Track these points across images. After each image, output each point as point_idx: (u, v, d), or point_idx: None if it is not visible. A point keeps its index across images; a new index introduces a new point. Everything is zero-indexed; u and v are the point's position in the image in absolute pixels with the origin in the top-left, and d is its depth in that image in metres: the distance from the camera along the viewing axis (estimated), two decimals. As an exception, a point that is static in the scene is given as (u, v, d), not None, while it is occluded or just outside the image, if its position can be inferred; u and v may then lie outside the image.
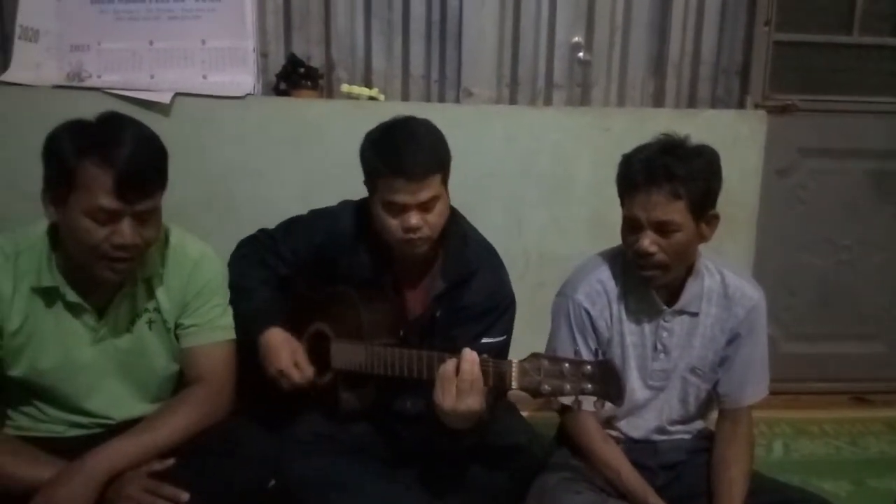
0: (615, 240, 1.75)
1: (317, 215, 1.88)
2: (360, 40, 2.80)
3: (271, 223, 1.91)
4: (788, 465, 2.47)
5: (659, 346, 1.75)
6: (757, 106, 2.88)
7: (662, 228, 1.59)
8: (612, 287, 1.76)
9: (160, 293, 1.64)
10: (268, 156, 2.58)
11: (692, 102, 2.92)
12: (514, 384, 1.44)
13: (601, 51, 2.88)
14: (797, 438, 2.72)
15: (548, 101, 2.89)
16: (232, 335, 1.71)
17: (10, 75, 2.52)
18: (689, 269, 1.71)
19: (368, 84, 2.78)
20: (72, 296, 1.55)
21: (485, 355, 1.49)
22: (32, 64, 2.54)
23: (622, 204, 1.67)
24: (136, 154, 1.44)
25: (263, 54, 2.72)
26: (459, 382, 1.46)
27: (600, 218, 2.62)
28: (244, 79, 2.57)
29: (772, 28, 2.88)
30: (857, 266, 3.12)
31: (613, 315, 1.75)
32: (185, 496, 1.45)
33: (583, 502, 1.64)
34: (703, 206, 1.61)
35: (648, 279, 1.67)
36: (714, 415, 1.85)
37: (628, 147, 1.69)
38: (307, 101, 2.64)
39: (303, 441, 1.76)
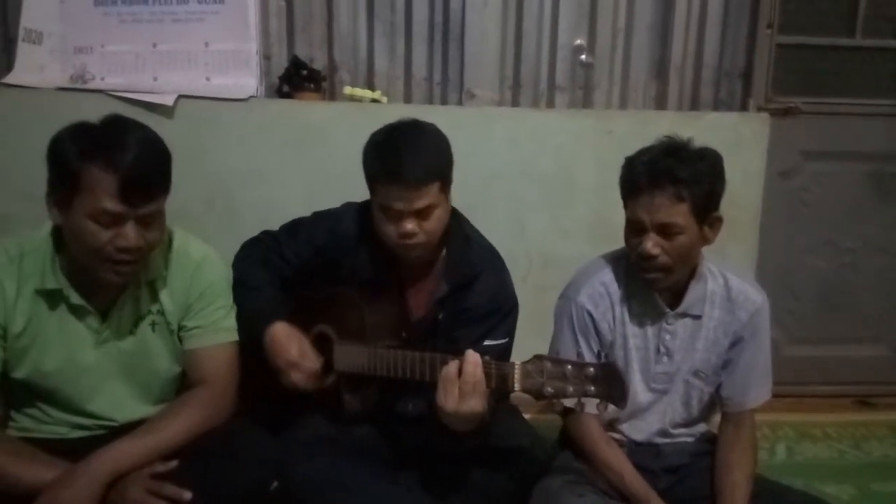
0: (618, 242, 1.75)
1: (320, 217, 1.89)
2: (363, 42, 2.81)
3: (274, 225, 1.91)
4: (791, 469, 2.47)
5: (662, 349, 1.75)
6: (759, 108, 2.88)
7: (665, 231, 1.59)
8: (614, 289, 1.76)
9: (163, 295, 1.64)
10: (270, 158, 2.59)
11: (695, 105, 2.92)
12: (517, 386, 1.44)
13: (603, 53, 2.88)
14: (800, 442, 2.72)
15: (550, 104, 2.89)
16: (235, 337, 1.72)
17: (14, 77, 2.52)
18: (693, 272, 1.71)
19: (371, 86, 2.79)
20: (75, 298, 1.56)
21: (487, 357, 1.49)
22: (36, 66, 2.55)
23: (625, 206, 1.67)
24: (140, 157, 1.44)
25: (266, 57, 2.72)
26: (462, 384, 1.46)
27: (602, 220, 2.63)
28: (247, 81, 2.57)
29: (774, 30, 2.88)
30: (860, 268, 3.11)
31: (616, 317, 1.75)
32: (188, 495, 1.46)
33: (585, 505, 1.64)
34: (707, 209, 1.61)
35: (651, 282, 1.67)
36: (717, 418, 1.84)
37: (630, 149, 1.69)
38: (310, 103, 2.64)
39: (305, 443, 1.75)
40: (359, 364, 1.70)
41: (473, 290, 1.77)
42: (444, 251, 1.80)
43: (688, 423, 1.82)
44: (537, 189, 2.72)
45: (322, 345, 1.81)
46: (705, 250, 1.71)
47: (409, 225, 1.64)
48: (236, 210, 2.58)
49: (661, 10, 2.86)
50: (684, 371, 1.77)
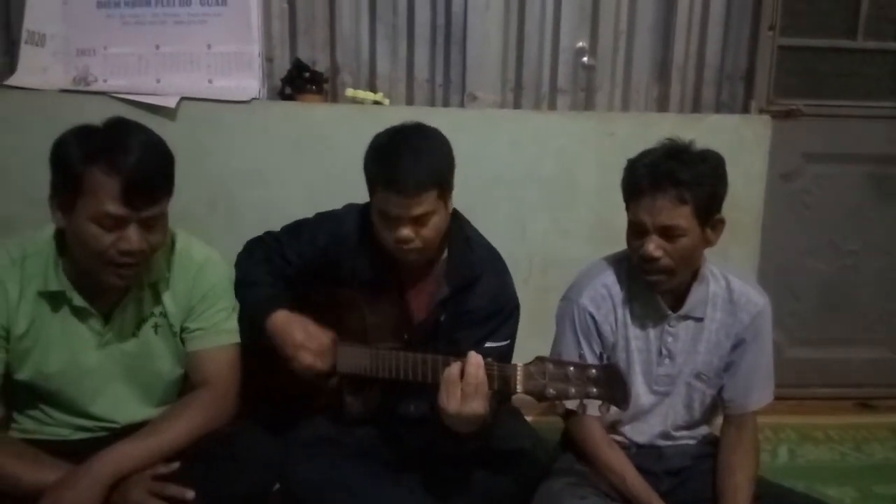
0: (620, 244, 1.75)
1: (322, 218, 1.89)
2: (365, 45, 2.81)
3: (276, 227, 1.91)
4: (793, 471, 2.46)
5: (664, 351, 1.75)
6: (761, 111, 2.88)
7: (668, 233, 1.59)
8: (617, 292, 1.76)
9: (166, 297, 1.64)
10: (273, 159, 2.59)
11: (696, 107, 2.92)
12: (519, 388, 1.44)
13: (605, 55, 2.88)
14: (802, 444, 2.71)
15: (552, 106, 2.89)
16: (237, 339, 1.72)
17: (17, 79, 2.53)
18: (695, 274, 1.71)
19: (373, 88, 2.79)
20: (78, 300, 1.56)
21: (490, 359, 1.49)
22: (39, 68, 2.56)
23: (627, 209, 1.67)
24: (144, 161, 1.44)
25: (269, 59, 2.73)
26: (464, 386, 1.46)
27: (604, 222, 2.62)
28: (249, 83, 2.57)
29: (776, 33, 2.88)
30: (862, 271, 3.11)
31: (618, 320, 1.75)
32: (191, 494, 1.46)
33: (587, 507, 1.64)
34: (709, 211, 1.61)
35: (654, 284, 1.67)
36: (719, 420, 1.84)
37: (632, 152, 1.69)
38: (312, 105, 2.64)
39: (307, 444, 1.75)
40: (361, 365, 1.70)
41: (475, 291, 1.77)
42: (446, 253, 1.80)
43: (690, 426, 1.82)
44: (539, 191, 2.72)
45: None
46: (707, 252, 1.71)
47: (406, 231, 1.64)
48: (238, 211, 2.58)
49: (663, 12, 2.87)
50: (686, 373, 1.77)
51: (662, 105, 2.92)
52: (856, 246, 3.09)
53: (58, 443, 1.61)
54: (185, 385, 1.71)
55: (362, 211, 1.82)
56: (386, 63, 2.82)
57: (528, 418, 2.02)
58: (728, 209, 1.67)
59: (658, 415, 1.79)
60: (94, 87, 2.54)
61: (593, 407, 1.41)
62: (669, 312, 1.72)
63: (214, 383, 1.66)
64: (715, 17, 2.87)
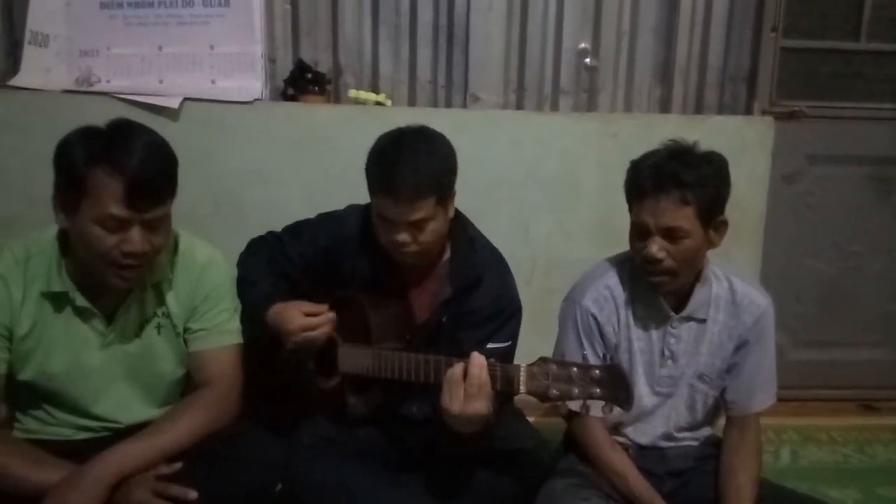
0: (622, 245, 1.74)
1: (323, 219, 1.89)
2: (368, 46, 2.81)
3: (278, 227, 1.92)
4: (796, 473, 2.46)
5: (666, 353, 1.75)
6: (764, 112, 2.88)
7: (671, 235, 1.58)
8: (619, 293, 1.75)
9: (169, 298, 1.64)
10: (275, 160, 2.59)
11: (699, 108, 2.92)
12: (522, 388, 1.44)
13: (608, 56, 2.88)
14: (804, 445, 2.71)
15: (554, 107, 2.89)
16: (239, 339, 1.72)
17: (20, 80, 2.53)
18: (697, 276, 1.71)
19: (375, 89, 2.80)
20: (81, 301, 1.56)
21: (492, 359, 1.49)
22: (42, 69, 2.56)
23: (630, 210, 1.67)
24: (147, 162, 1.44)
25: (271, 60, 2.73)
26: (467, 386, 1.46)
27: (607, 223, 2.62)
28: (252, 84, 2.58)
29: (779, 34, 2.88)
30: (865, 272, 3.11)
31: (621, 321, 1.75)
32: (194, 494, 1.46)
33: (590, 508, 1.64)
34: (712, 213, 1.61)
35: (656, 285, 1.67)
36: (722, 421, 1.84)
37: (635, 153, 1.69)
38: (314, 106, 2.65)
39: (309, 445, 1.75)
40: (363, 366, 1.70)
41: (477, 293, 1.77)
42: (449, 254, 1.80)
43: (692, 427, 1.82)
44: (541, 192, 2.72)
45: (326, 347, 1.81)
46: (710, 253, 1.71)
47: (403, 236, 1.65)
48: (241, 212, 2.58)
49: (666, 14, 2.87)
50: (689, 375, 1.76)
51: (665, 106, 2.92)
52: (858, 247, 3.09)
53: (60, 443, 1.61)
54: (188, 385, 1.71)
55: (364, 211, 1.82)
56: (388, 64, 2.82)
57: (531, 419, 2.02)
58: (730, 210, 1.67)
59: (660, 416, 1.79)
60: (97, 88, 2.55)
61: (596, 408, 1.40)
62: (672, 314, 1.72)
63: (217, 383, 1.66)
64: (717, 19, 2.87)
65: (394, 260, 1.75)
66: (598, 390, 1.38)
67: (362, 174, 1.70)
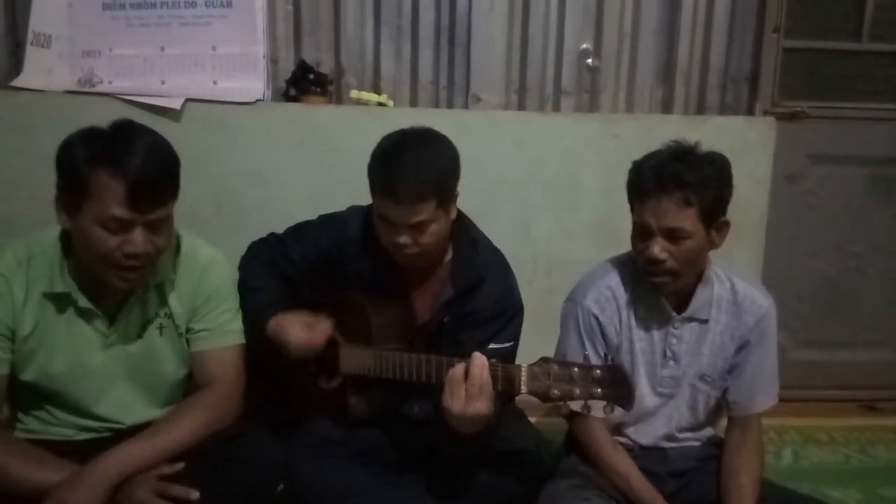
0: (624, 246, 1.74)
1: (325, 220, 1.89)
2: (370, 46, 2.81)
3: (280, 228, 1.92)
4: (797, 473, 2.46)
5: (668, 353, 1.75)
6: (766, 113, 2.88)
7: (673, 235, 1.58)
8: (621, 293, 1.75)
9: (172, 299, 1.65)
10: (277, 161, 2.60)
11: (701, 109, 2.92)
12: (524, 388, 1.44)
13: (610, 57, 2.88)
14: (806, 446, 2.71)
15: (556, 108, 2.89)
16: (241, 340, 1.72)
17: (22, 80, 2.54)
18: (699, 276, 1.71)
19: (377, 90, 2.80)
20: (83, 301, 1.56)
21: (494, 360, 1.49)
22: (44, 69, 2.56)
23: (632, 210, 1.67)
24: (149, 164, 1.44)
25: (273, 60, 2.73)
26: (469, 386, 1.46)
27: (608, 224, 2.62)
28: (254, 85, 2.58)
29: (781, 35, 2.88)
30: (867, 272, 3.11)
31: (623, 321, 1.75)
32: (195, 494, 1.46)
33: (591, 509, 1.64)
34: (714, 214, 1.61)
35: (658, 286, 1.67)
36: (723, 422, 1.84)
37: (637, 153, 1.69)
38: (316, 106, 2.65)
39: (311, 445, 1.75)
40: (365, 366, 1.71)
41: (479, 293, 1.77)
42: (451, 255, 1.80)
43: (694, 428, 1.82)
44: (543, 193, 2.72)
45: (328, 348, 1.81)
46: (711, 254, 1.71)
47: (403, 238, 1.65)
48: (243, 212, 2.59)
49: (668, 14, 2.87)
50: (690, 375, 1.76)
51: (667, 107, 2.92)
52: (860, 248, 3.09)
53: (62, 443, 1.61)
54: (190, 385, 1.72)
55: (366, 213, 1.82)
56: (390, 65, 2.83)
57: (532, 420, 2.02)
58: (732, 211, 1.67)
59: (662, 417, 1.79)
60: (99, 89, 2.55)
61: (598, 408, 1.41)
62: (674, 314, 1.72)
63: (219, 384, 1.66)
64: (719, 19, 2.87)
65: (395, 261, 1.75)
66: (599, 390, 1.38)
67: (364, 175, 1.70)
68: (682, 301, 1.72)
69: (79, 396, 1.62)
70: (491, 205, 2.58)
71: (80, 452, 1.52)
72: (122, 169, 1.41)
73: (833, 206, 3.04)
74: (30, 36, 2.55)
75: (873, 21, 2.94)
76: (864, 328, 3.15)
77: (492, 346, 1.72)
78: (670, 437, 1.81)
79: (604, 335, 1.75)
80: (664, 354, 1.75)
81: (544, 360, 1.44)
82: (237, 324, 1.72)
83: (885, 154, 3.01)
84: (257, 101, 2.57)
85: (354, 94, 2.69)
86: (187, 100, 2.53)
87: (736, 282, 1.75)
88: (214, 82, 2.58)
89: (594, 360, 1.70)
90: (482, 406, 1.46)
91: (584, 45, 2.87)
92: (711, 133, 2.55)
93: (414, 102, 2.85)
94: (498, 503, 1.73)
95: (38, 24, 2.56)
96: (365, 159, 1.70)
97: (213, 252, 1.73)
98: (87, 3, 2.57)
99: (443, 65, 2.84)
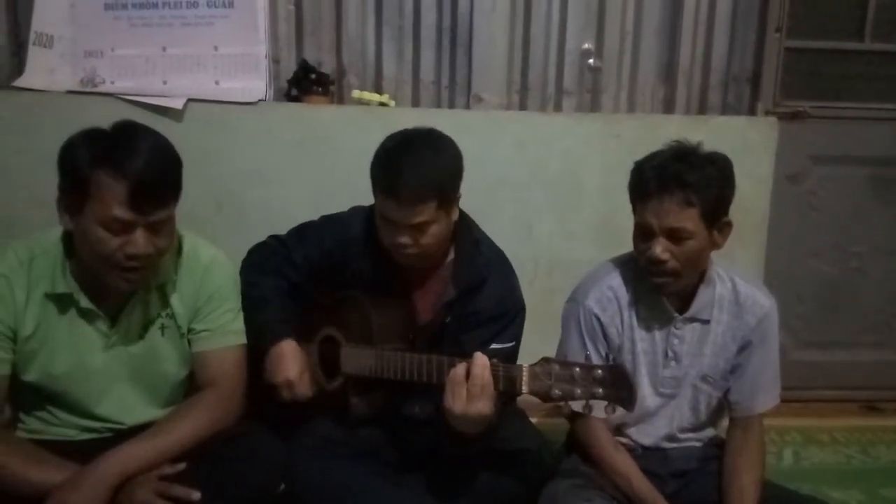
0: (625, 246, 1.74)
1: (328, 220, 1.89)
2: (371, 47, 2.81)
3: (282, 228, 1.92)
4: (799, 474, 2.46)
5: (670, 354, 1.74)
6: (768, 112, 2.88)
7: (675, 236, 1.58)
8: (623, 294, 1.75)
9: (174, 299, 1.65)
10: (279, 161, 2.60)
11: (703, 109, 2.92)
12: (525, 388, 1.44)
13: (611, 57, 2.88)
14: (807, 446, 2.71)
15: (558, 108, 2.89)
16: (243, 340, 1.72)
17: (25, 80, 2.54)
18: (701, 277, 1.71)
19: (379, 90, 2.80)
20: (85, 302, 1.56)
21: (495, 360, 1.49)
22: (46, 69, 2.57)
23: (634, 211, 1.67)
24: (151, 165, 1.44)
25: (275, 60, 2.73)
26: (470, 386, 1.46)
27: (610, 224, 2.62)
28: (256, 85, 2.58)
29: (783, 35, 2.88)
30: (868, 273, 3.11)
31: (624, 322, 1.75)
32: (197, 495, 1.46)
33: (593, 509, 1.64)
34: (716, 214, 1.61)
35: (660, 286, 1.67)
36: (725, 422, 1.84)
37: (638, 153, 1.69)
38: (318, 106, 2.65)
39: (312, 445, 1.76)
40: (366, 366, 1.71)
41: (481, 294, 1.77)
42: (453, 255, 1.80)
43: (696, 428, 1.82)
44: (544, 193, 2.72)
45: (329, 348, 1.81)
46: (713, 254, 1.71)
47: (404, 238, 1.65)
48: (244, 212, 2.59)
49: (669, 14, 2.86)
50: (692, 376, 1.76)
51: (668, 107, 2.92)
52: (862, 248, 3.09)
53: (64, 443, 1.61)
54: (191, 386, 1.72)
55: (368, 213, 1.82)
56: (392, 65, 2.83)
57: (534, 420, 2.02)
58: (734, 211, 1.67)
59: (664, 417, 1.79)
60: (101, 89, 2.55)
61: (599, 408, 1.40)
62: (675, 315, 1.72)
63: (220, 384, 1.66)
64: (721, 19, 2.87)
65: (397, 261, 1.75)
66: (600, 390, 1.38)
67: (366, 175, 1.70)
68: (684, 301, 1.72)
69: (80, 397, 1.62)
70: (492, 205, 2.58)
71: (82, 453, 1.52)
72: (124, 170, 1.41)
73: (834, 206, 3.04)
74: (32, 36, 2.56)
75: (875, 21, 2.94)
76: (865, 328, 3.14)
77: (493, 346, 1.72)
78: (671, 438, 1.81)
79: (605, 335, 1.75)
80: (666, 355, 1.75)
81: (545, 360, 1.44)
82: (238, 324, 1.72)
83: (886, 154, 3.01)
84: (259, 101, 2.57)
85: (356, 94, 2.69)
86: (189, 100, 2.53)
87: (738, 282, 1.75)
88: (216, 82, 2.58)
89: (596, 360, 1.68)
90: (483, 406, 1.46)
91: (586, 45, 2.87)
92: (713, 133, 2.55)
93: (416, 102, 2.85)
94: (499, 503, 1.73)
95: (40, 24, 2.56)
96: (367, 159, 1.70)
97: (215, 252, 1.73)
98: (89, 4, 2.57)
99: (444, 65, 2.84)
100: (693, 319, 1.73)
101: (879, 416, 3.04)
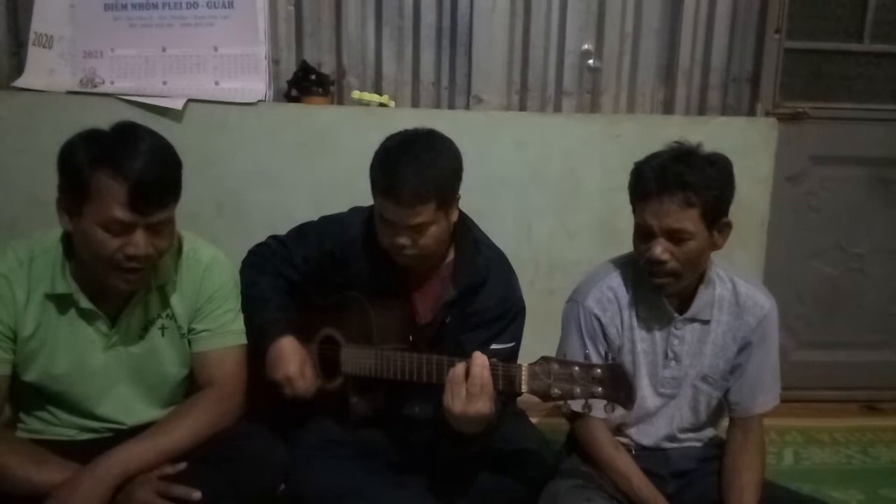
0: (625, 246, 1.75)
1: (327, 221, 1.89)
2: (371, 47, 2.82)
3: (282, 228, 1.92)
4: (799, 474, 2.46)
5: (670, 354, 1.74)
6: (767, 113, 2.88)
7: (675, 236, 1.58)
8: (623, 294, 1.75)
9: (174, 300, 1.65)
10: (279, 161, 2.60)
11: (702, 110, 2.92)
12: (524, 387, 1.44)
13: (611, 58, 2.88)
14: (808, 447, 2.71)
15: (557, 108, 2.89)
16: (243, 340, 1.72)
17: (25, 81, 2.54)
18: (701, 277, 1.71)
19: (379, 91, 2.80)
20: (85, 302, 1.56)
21: (494, 359, 1.49)
22: (46, 70, 2.57)
23: (634, 211, 1.67)
24: (150, 166, 1.44)
25: (275, 61, 2.73)
26: (469, 386, 1.46)
27: (610, 224, 2.63)
28: (256, 85, 2.59)
29: (783, 35, 2.88)
30: (868, 273, 3.11)
31: (624, 322, 1.75)
32: (197, 494, 1.47)
33: (593, 509, 1.64)
34: (716, 215, 1.61)
35: (660, 287, 1.66)
36: (725, 422, 1.84)
37: (638, 154, 1.69)
38: (318, 107, 2.65)
39: (312, 446, 1.76)
40: (366, 367, 1.71)
41: (481, 294, 1.77)
42: (453, 255, 1.80)
43: (696, 428, 1.82)
44: (544, 193, 2.72)
45: (329, 348, 1.81)
46: (713, 254, 1.71)
47: (402, 239, 1.65)
48: (245, 213, 2.59)
49: (669, 15, 2.86)
50: (692, 376, 1.76)
51: (668, 107, 2.92)
52: (862, 248, 3.09)
53: (64, 443, 1.61)
54: (192, 386, 1.72)
55: (367, 214, 1.82)
56: (392, 65, 2.83)
57: (534, 420, 2.03)
58: (734, 212, 1.67)
59: (664, 417, 1.79)
60: (100, 89, 2.56)
61: (598, 407, 1.41)
62: (675, 315, 1.72)
63: (221, 384, 1.66)
64: (721, 20, 2.87)
65: (397, 262, 1.75)
66: (600, 389, 1.38)
67: (366, 175, 1.70)
68: (684, 302, 1.72)
69: (80, 397, 1.62)
70: (492, 205, 2.59)
71: (82, 453, 1.52)
72: (124, 171, 1.41)
73: (834, 206, 3.04)
74: (32, 36, 2.56)
75: (875, 22, 2.94)
76: (865, 329, 3.14)
77: (493, 346, 1.72)
78: (672, 438, 1.80)
79: (605, 336, 1.75)
80: (666, 355, 1.75)
81: (545, 359, 1.44)
82: (238, 324, 1.72)
83: (886, 155, 3.01)
84: (259, 101, 2.57)
85: (356, 94, 2.69)
86: (189, 100, 2.53)
87: (738, 282, 1.75)
88: (216, 83, 2.59)
89: (596, 360, 1.69)
90: (483, 406, 1.46)
91: (586, 46, 2.87)
92: (713, 134, 2.55)
93: (415, 103, 2.85)
94: (499, 503, 1.73)
95: (39, 24, 2.56)
96: (366, 160, 1.70)
97: (215, 252, 1.73)
98: (88, 4, 2.58)
99: (444, 65, 2.84)
100: (693, 320, 1.73)
101: (880, 417, 3.04)
